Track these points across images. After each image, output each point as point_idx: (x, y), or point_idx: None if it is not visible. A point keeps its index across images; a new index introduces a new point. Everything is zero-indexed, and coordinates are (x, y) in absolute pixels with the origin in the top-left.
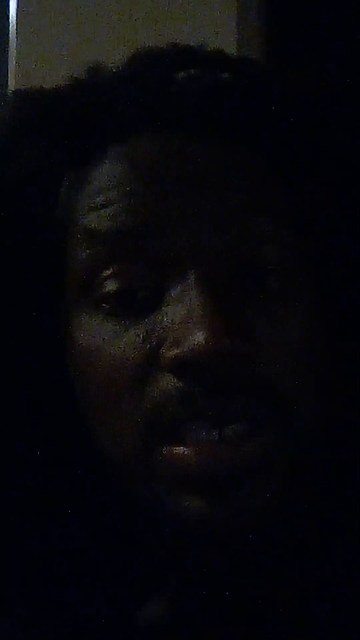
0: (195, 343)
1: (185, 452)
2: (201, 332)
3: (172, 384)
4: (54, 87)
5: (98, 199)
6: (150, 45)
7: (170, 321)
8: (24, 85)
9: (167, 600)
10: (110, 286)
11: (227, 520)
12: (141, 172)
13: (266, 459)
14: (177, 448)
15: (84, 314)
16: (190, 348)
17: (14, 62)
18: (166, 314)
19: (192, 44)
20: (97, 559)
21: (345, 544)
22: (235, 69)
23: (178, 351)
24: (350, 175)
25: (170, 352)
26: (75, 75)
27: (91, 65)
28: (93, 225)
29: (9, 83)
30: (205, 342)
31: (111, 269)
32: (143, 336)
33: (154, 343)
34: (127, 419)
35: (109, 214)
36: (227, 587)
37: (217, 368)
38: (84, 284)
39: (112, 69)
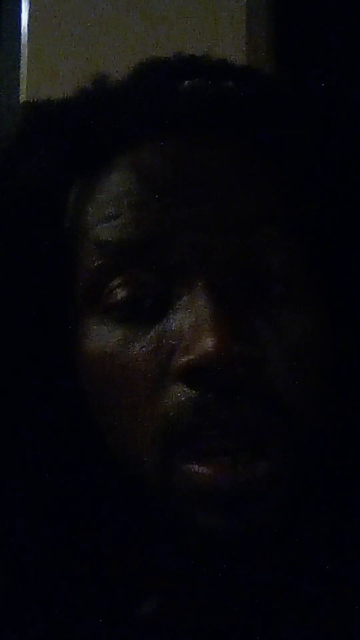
0: (205, 349)
1: (202, 470)
2: (210, 339)
3: (184, 394)
4: (61, 98)
5: (107, 210)
6: (160, 55)
7: (178, 329)
8: (34, 96)
9: (167, 601)
10: (119, 294)
11: (240, 535)
12: (148, 182)
13: (277, 475)
14: (194, 466)
15: (93, 322)
16: (199, 354)
17: (25, 72)
18: (175, 321)
19: (202, 53)
20: (102, 558)
21: (353, 554)
22: (238, 77)
23: (188, 358)
24: (355, 182)
25: (181, 360)
26: (82, 86)
27: (97, 76)
28: (103, 237)
29: (20, 93)
30: (214, 348)
31: (120, 278)
32: (154, 345)
33: (165, 352)
34: (141, 428)
35: (118, 225)
36: (230, 593)
37: (227, 374)
38: (93, 293)
39: (118, 79)
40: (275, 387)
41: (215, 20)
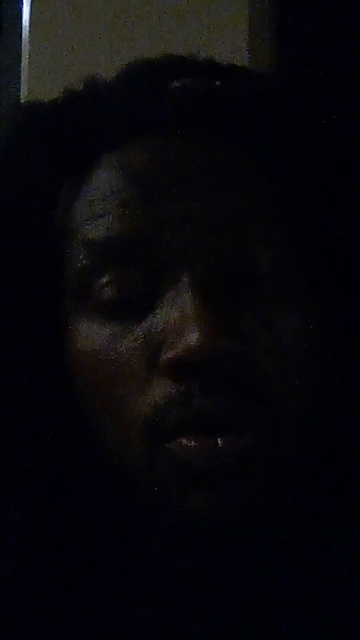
0: (189, 344)
1: (185, 446)
2: (194, 333)
3: (170, 387)
4: (52, 99)
5: (95, 208)
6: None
7: (164, 324)
8: (35, 95)
9: (163, 602)
10: (107, 292)
11: (225, 512)
12: (135, 180)
13: (258, 453)
14: (177, 443)
15: (83, 319)
16: (184, 349)
17: (26, 72)
18: (161, 317)
19: (204, 54)
20: (96, 560)
21: (340, 538)
22: (226, 76)
23: (173, 353)
24: (341, 178)
25: (167, 355)
26: (71, 87)
27: (88, 78)
28: (90, 235)
29: (20, 93)
30: (198, 342)
31: (108, 276)
32: (141, 341)
33: (152, 347)
34: (128, 422)
35: (105, 224)
36: (224, 586)
37: (212, 367)
38: (81, 291)
39: (107, 80)
40: (260, 381)
41: (218, 21)
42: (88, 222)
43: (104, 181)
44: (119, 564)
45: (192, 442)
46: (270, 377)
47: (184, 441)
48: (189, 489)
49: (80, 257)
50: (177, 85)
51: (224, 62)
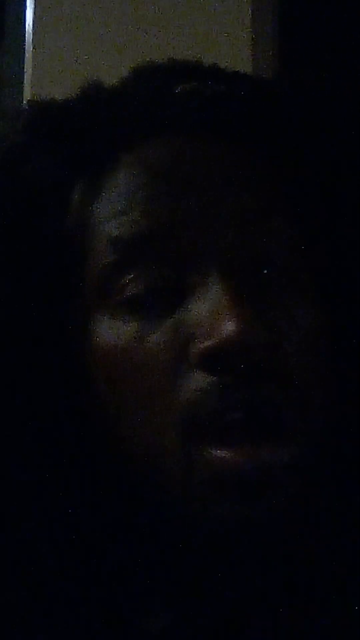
0: (226, 333)
1: (224, 455)
2: (230, 323)
3: (205, 380)
4: (64, 99)
5: (117, 206)
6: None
7: (196, 317)
8: (38, 96)
9: (179, 606)
10: (133, 288)
11: (259, 522)
12: (156, 176)
13: (298, 462)
14: (215, 451)
15: (106, 317)
16: (220, 339)
17: (30, 73)
18: (191, 310)
19: (208, 61)
20: (115, 561)
21: None
22: (229, 81)
23: (209, 343)
24: (345, 179)
25: (201, 346)
26: (82, 88)
27: (95, 80)
28: (114, 233)
29: (24, 94)
30: (235, 331)
31: (134, 271)
32: (170, 335)
33: (182, 340)
34: (159, 418)
35: (129, 221)
36: (248, 592)
37: (247, 357)
38: (105, 288)
39: (116, 82)
40: (290, 370)
41: (220, 27)
42: (111, 220)
43: (124, 179)
44: (142, 565)
45: (230, 453)
46: (299, 367)
47: (221, 452)
48: (225, 495)
49: (104, 254)
50: (183, 88)
51: (228, 68)
